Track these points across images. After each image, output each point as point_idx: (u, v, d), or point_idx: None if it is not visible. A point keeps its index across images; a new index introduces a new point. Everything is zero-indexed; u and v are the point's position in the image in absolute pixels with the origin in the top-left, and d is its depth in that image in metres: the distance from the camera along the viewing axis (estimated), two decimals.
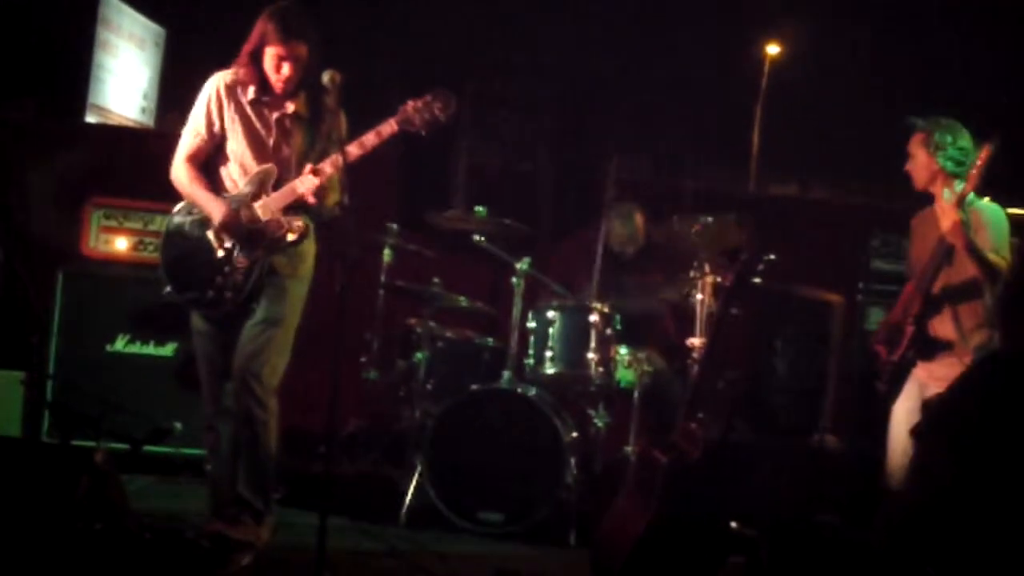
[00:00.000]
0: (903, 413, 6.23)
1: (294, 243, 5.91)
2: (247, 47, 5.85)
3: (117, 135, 9.56)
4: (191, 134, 5.96)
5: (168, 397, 7.30)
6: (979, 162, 6.06)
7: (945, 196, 6.33)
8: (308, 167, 5.77)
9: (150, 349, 7.51)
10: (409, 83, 8.75)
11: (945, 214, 6.14)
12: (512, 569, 5.99)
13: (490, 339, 7.75)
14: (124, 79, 10.00)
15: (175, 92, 9.10)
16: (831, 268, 8.84)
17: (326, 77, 5.62)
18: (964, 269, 6.24)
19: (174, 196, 6.03)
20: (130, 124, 10.12)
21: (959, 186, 6.25)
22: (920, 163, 6.43)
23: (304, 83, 5.86)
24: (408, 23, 9.63)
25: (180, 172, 5.93)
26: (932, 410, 3.27)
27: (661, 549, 5.62)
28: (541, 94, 9.98)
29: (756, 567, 5.83)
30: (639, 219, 8.17)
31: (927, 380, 6.16)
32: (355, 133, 5.91)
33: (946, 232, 6.12)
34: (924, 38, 9.39)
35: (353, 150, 5.75)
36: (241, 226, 5.78)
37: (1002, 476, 2.77)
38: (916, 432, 5.37)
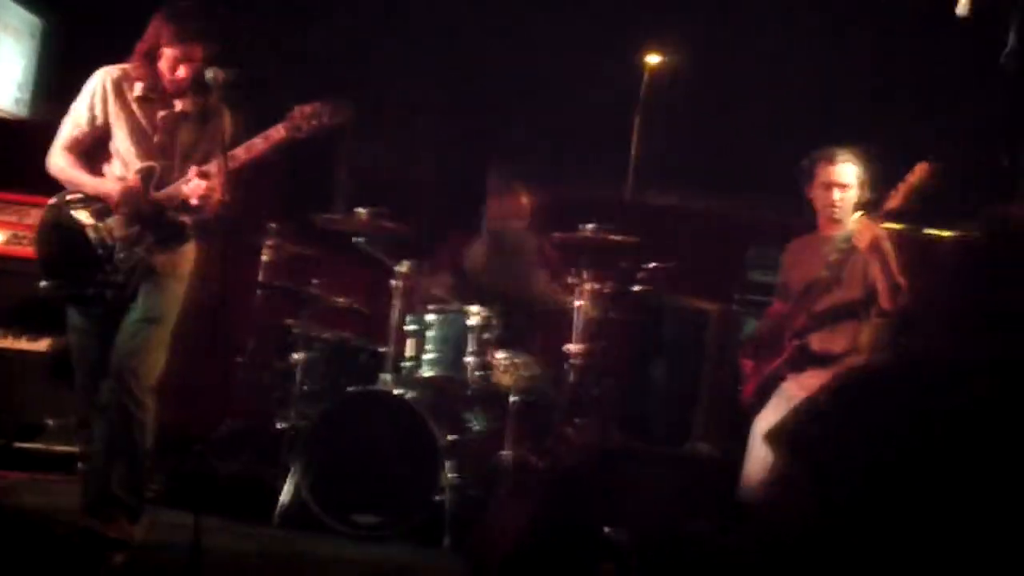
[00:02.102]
0: (766, 426, 6.31)
1: (176, 243, 5.88)
2: (141, 46, 5.81)
3: None
4: (70, 125, 5.89)
5: (40, 393, 7.19)
6: (912, 179, 6.09)
7: (849, 224, 6.42)
8: (194, 169, 5.74)
9: (23, 344, 7.40)
10: (295, 84, 8.73)
11: (862, 231, 6.18)
12: (386, 572, 5.99)
13: (368, 341, 7.75)
14: None
15: (52, 85, 8.96)
16: (708, 278, 8.94)
17: (210, 74, 5.62)
18: (851, 290, 6.36)
19: (50, 189, 5.95)
20: (4, 115, 9.95)
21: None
22: (853, 196, 6.52)
23: (193, 81, 5.84)
24: (295, 24, 9.58)
25: (59, 160, 5.86)
26: (791, 416, 3.34)
27: (536, 553, 5.65)
28: (425, 97, 9.99)
29: (626, 573, 5.89)
30: (524, 197, 8.21)
31: (797, 392, 6.25)
32: (244, 133, 5.91)
33: (866, 248, 6.17)
34: (810, 48, 9.52)
35: (240, 154, 5.75)
36: (139, 199, 5.74)
37: (855, 486, 2.83)
38: (770, 437, 5.45)
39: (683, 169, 10.12)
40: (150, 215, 5.80)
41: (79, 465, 6.18)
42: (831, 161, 6.54)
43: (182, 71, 5.77)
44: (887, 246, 6.22)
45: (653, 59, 9.48)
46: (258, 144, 5.82)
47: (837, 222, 6.53)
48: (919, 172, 6.10)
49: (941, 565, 2.75)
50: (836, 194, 6.52)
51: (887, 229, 6.30)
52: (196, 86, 5.86)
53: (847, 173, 6.53)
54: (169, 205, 5.81)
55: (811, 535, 2.93)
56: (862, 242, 6.17)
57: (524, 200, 8.19)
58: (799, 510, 2.93)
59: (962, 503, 2.74)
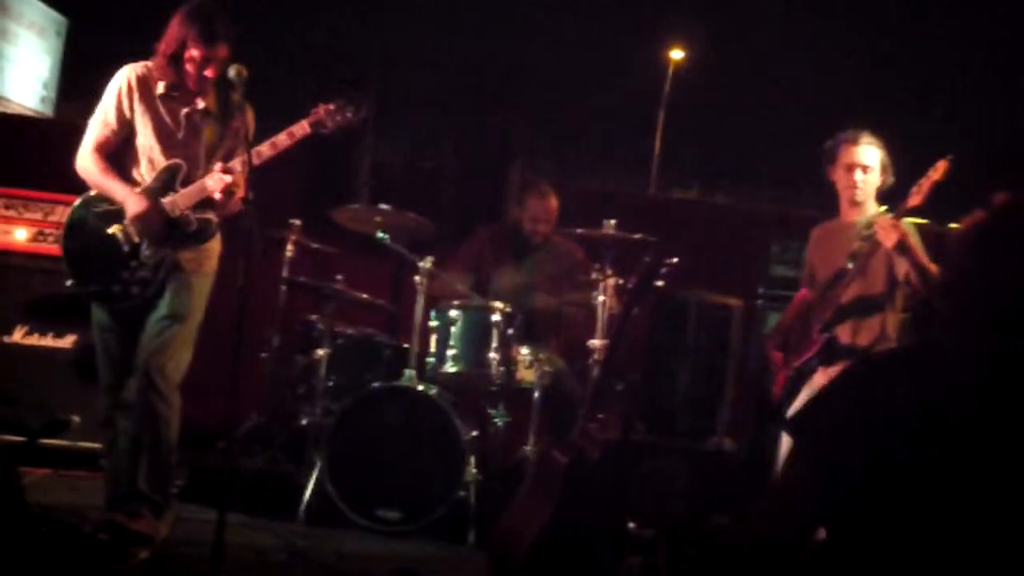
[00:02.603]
0: None
1: (202, 239, 5.91)
2: (165, 48, 5.84)
3: (16, 124, 9.44)
4: (100, 124, 5.92)
5: (65, 390, 7.22)
6: (934, 176, 6.09)
7: (871, 209, 6.45)
8: (219, 165, 5.77)
9: (48, 341, 7.42)
10: (313, 79, 8.74)
11: (887, 230, 6.16)
12: (410, 567, 5.99)
13: (391, 337, 7.77)
14: (24, 68, 9.89)
15: (76, 82, 9.00)
16: (731, 273, 8.94)
17: (232, 72, 5.64)
18: (876, 281, 6.36)
19: (75, 187, 5.99)
20: (29, 113, 10.00)
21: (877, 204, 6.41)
22: (876, 178, 6.53)
23: (216, 79, 5.86)
24: (311, 18, 9.61)
25: (89, 162, 5.89)
26: (802, 406, 3.36)
27: (559, 549, 5.65)
28: (447, 91, 10.00)
29: (653, 568, 5.88)
30: (553, 200, 8.20)
31: None
32: (260, 128, 5.93)
33: (891, 247, 6.16)
34: (835, 42, 9.53)
35: (265, 150, 5.80)
36: (155, 220, 5.76)
37: (857, 475, 2.82)
38: (784, 424, 5.44)
39: (706, 164, 10.12)
40: (170, 227, 5.83)
41: (103, 461, 6.20)
42: (855, 142, 6.54)
43: (209, 72, 5.81)
44: (913, 241, 6.20)
45: (677, 55, 9.47)
46: (282, 140, 5.85)
47: (858, 204, 6.53)
48: (941, 169, 6.08)
49: (944, 560, 2.74)
50: (858, 175, 6.52)
51: (911, 224, 6.29)
52: (218, 83, 5.89)
53: (870, 155, 6.53)
54: (182, 219, 5.84)
55: (816, 524, 2.93)
56: (888, 242, 6.14)
57: (553, 202, 8.16)
58: (804, 499, 2.92)
59: (971, 498, 2.73)
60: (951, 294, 2.97)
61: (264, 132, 5.95)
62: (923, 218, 6.71)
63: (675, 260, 6.28)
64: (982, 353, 2.82)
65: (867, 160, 6.53)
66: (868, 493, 2.77)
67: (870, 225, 6.33)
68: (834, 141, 6.64)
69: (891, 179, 6.53)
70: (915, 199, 6.09)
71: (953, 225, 6.34)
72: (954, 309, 2.94)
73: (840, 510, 2.82)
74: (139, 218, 5.76)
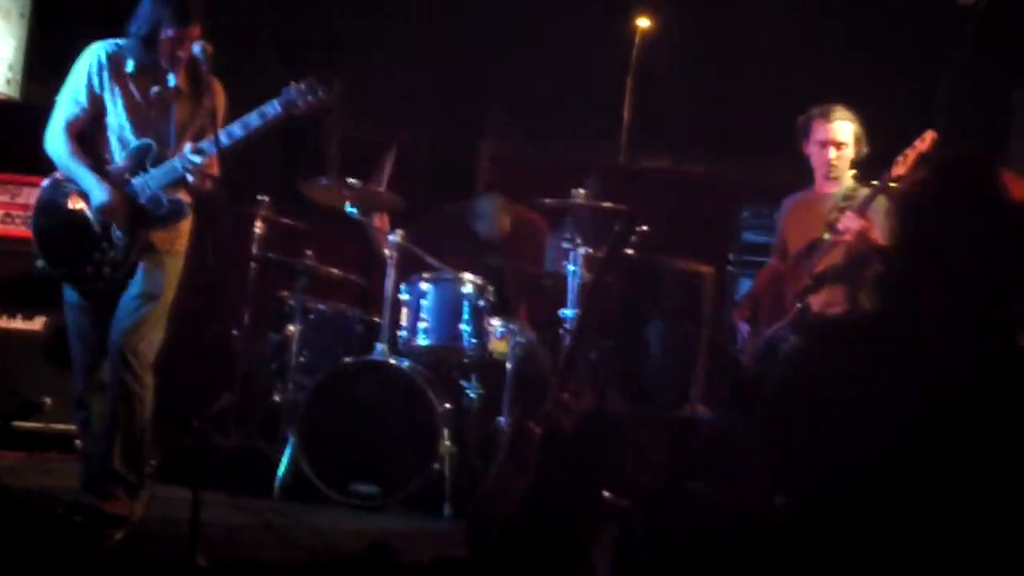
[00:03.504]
0: None
1: (175, 219, 5.89)
2: (138, 28, 5.81)
3: None
4: (70, 103, 5.89)
5: (37, 372, 7.20)
6: (920, 147, 6.10)
7: (847, 181, 6.48)
8: (189, 143, 5.76)
9: (18, 323, 7.40)
10: (283, 57, 8.70)
11: (849, 223, 6.18)
12: (386, 542, 5.99)
13: (363, 312, 7.76)
14: None
15: (43, 65, 8.93)
16: (702, 240, 8.94)
17: (197, 48, 5.62)
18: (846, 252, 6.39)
19: (42, 168, 5.95)
20: None
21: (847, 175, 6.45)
22: (850, 152, 6.54)
23: (182, 60, 5.85)
24: None
25: (58, 142, 5.85)
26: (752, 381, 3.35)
27: (536, 520, 5.65)
28: (415, 65, 9.96)
29: (629, 536, 5.89)
30: (501, 211, 8.20)
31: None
32: (232, 108, 5.92)
33: (855, 239, 6.18)
34: (803, 7, 9.50)
35: (236, 130, 5.76)
36: (120, 209, 5.74)
37: (806, 443, 2.83)
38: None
39: (676, 131, 10.10)
40: (136, 215, 5.81)
41: (77, 443, 6.18)
42: (828, 118, 6.55)
43: (183, 52, 5.79)
44: (876, 235, 6.20)
45: (643, 22, 9.45)
46: (254, 121, 5.82)
47: (834, 180, 6.55)
48: (928, 140, 6.10)
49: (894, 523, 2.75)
50: (832, 152, 6.53)
51: (887, 196, 6.28)
52: (187, 61, 5.87)
53: (844, 131, 6.54)
54: (152, 200, 5.82)
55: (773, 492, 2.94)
56: (848, 235, 6.17)
57: (501, 213, 8.16)
58: (761, 469, 2.94)
59: (915, 464, 2.74)
60: (893, 256, 2.99)
61: (233, 112, 5.93)
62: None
63: (645, 228, 6.28)
64: (918, 316, 2.84)
65: (841, 136, 6.55)
66: (817, 461, 2.79)
67: (846, 197, 6.36)
68: (807, 117, 6.65)
69: (866, 149, 6.54)
70: (899, 169, 6.11)
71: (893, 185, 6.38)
72: (893, 270, 2.96)
73: (793, 478, 2.83)
74: (103, 209, 5.74)
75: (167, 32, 5.75)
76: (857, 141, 6.54)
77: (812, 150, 6.63)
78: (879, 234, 6.15)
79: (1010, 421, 2.72)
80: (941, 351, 2.79)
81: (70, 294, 5.96)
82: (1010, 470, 2.71)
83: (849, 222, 6.16)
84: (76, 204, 5.80)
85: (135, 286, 5.83)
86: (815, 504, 2.82)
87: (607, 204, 7.23)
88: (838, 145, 6.54)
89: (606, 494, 6.41)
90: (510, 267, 8.01)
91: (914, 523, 2.73)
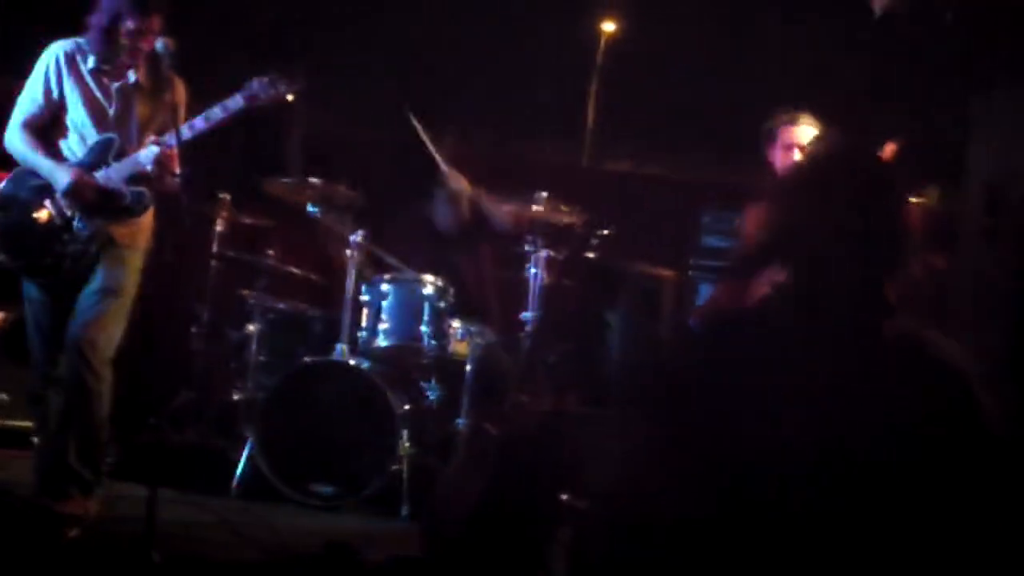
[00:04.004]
0: None
1: (136, 213, 5.88)
2: (98, 20, 5.79)
3: None
4: (28, 101, 5.88)
5: None
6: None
7: None
8: (151, 138, 5.75)
9: None
10: (247, 52, 8.67)
11: None
12: (343, 541, 5.98)
13: (323, 311, 7.75)
14: None
15: (5, 59, 8.90)
16: (663, 244, 8.95)
17: (159, 44, 5.61)
18: None
19: (4, 163, 5.93)
20: None
21: None
22: None
23: (142, 53, 5.83)
24: None
25: (16, 138, 5.84)
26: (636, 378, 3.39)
27: (493, 521, 5.66)
28: (378, 63, 9.95)
29: (584, 539, 5.90)
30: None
31: None
32: (194, 102, 5.91)
33: None
34: (766, 12, 9.53)
35: (198, 124, 5.76)
36: (87, 190, 5.72)
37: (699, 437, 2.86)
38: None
39: (639, 135, 10.11)
40: (103, 199, 5.79)
41: (34, 439, 6.16)
42: (793, 123, 6.57)
43: (145, 43, 5.77)
44: None
45: (608, 26, 9.48)
46: (215, 114, 5.83)
47: None
48: (889, 152, 6.12)
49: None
50: (797, 156, 6.55)
51: None
52: (148, 57, 5.85)
53: (804, 135, 6.56)
54: (115, 194, 5.81)
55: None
56: None
57: (464, 210, 8.15)
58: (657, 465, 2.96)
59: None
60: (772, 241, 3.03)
61: (197, 106, 5.93)
62: None
63: (606, 232, 6.29)
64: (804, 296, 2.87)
65: (801, 140, 6.57)
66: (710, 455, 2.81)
67: None
68: (772, 122, 6.66)
69: None
70: None
71: None
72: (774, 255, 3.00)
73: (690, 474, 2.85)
74: (70, 189, 5.72)
75: (127, 23, 5.73)
76: None
77: (777, 155, 6.64)
78: None
79: (900, 391, 2.75)
80: (827, 328, 2.82)
81: (29, 288, 5.93)
82: (906, 443, 2.73)
83: None
84: (35, 197, 5.78)
85: (95, 281, 5.81)
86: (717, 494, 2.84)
87: (567, 208, 7.24)
88: (803, 149, 6.56)
89: (563, 496, 6.43)
90: (473, 265, 8.02)
91: (828, 507, 2.75)
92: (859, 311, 2.83)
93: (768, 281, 6.38)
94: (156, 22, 5.75)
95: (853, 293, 2.83)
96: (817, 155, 3.01)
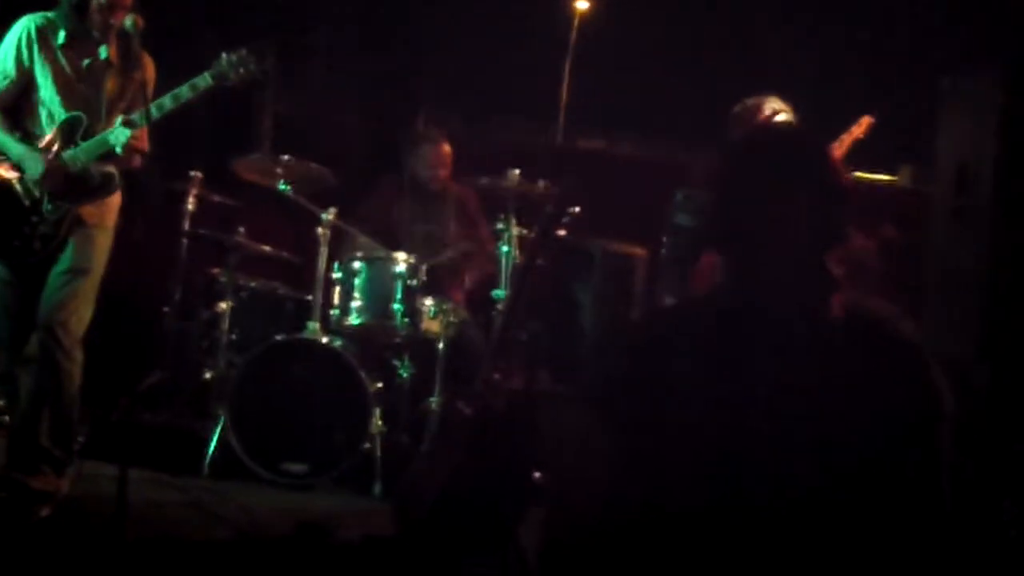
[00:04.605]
0: None
1: (105, 193, 5.85)
2: None
3: None
4: None
5: None
6: (856, 132, 6.14)
7: None
8: (120, 118, 5.72)
9: None
10: (216, 31, 8.63)
11: None
12: (316, 520, 5.99)
13: (295, 290, 7.73)
14: None
15: None
16: (635, 222, 8.95)
17: (128, 21, 5.59)
18: None
19: None
20: None
21: None
22: None
23: (113, 29, 5.80)
24: None
25: None
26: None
27: (464, 500, 5.66)
28: (349, 40, 9.92)
29: (556, 517, 5.91)
30: (446, 145, 8.21)
31: None
32: (162, 79, 5.88)
33: None
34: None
35: (166, 103, 5.74)
36: (55, 179, 5.70)
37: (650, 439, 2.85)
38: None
39: (612, 113, 10.11)
40: (75, 180, 5.77)
41: (3, 419, 6.14)
42: (758, 110, 6.58)
43: (115, 18, 5.73)
44: None
45: (582, 4, 9.46)
46: (184, 93, 5.81)
47: None
48: (864, 125, 6.15)
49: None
50: None
51: None
52: (118, 34, 5.82)
53: (776, 119, 6.57)
54: (83, 173, 5.79)
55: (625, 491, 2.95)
56: None
57: (446, 148, 8.19)
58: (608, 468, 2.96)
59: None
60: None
61: (165, 83, 5.90)
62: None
63: (577, 209, 6.29)
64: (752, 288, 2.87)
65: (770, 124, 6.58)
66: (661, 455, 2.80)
67: None
68: (742, 106, 6.67)
69: None
70: (835, 152, 6.16)
71: (861, 174, 6.43)
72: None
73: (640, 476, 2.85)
74: (40, 181, 5.70)
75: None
76: None
77: None
78: None
79: (856, 366, 2.75)
80: (772, 310, 2.83)
81: None
82: (871, 421, 2.73)
83: None
84: (2, 177, 5.74)
85: (64, 261, 5.79)
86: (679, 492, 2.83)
87: (540, 184, 7.25)
88: None
89: (536, 475, 6.43)
90: (451, 236, 8.04)
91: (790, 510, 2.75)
92: (801, 288, 2.82)
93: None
94: None
95: (793, 271, 2.83)
96: (738, 139, 3.01)
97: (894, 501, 2.70)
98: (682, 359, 2.83)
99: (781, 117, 6.56)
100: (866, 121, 6.15)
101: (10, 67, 5.82)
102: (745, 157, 2.98)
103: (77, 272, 5.79)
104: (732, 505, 2.73)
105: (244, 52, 5.90)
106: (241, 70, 5.90)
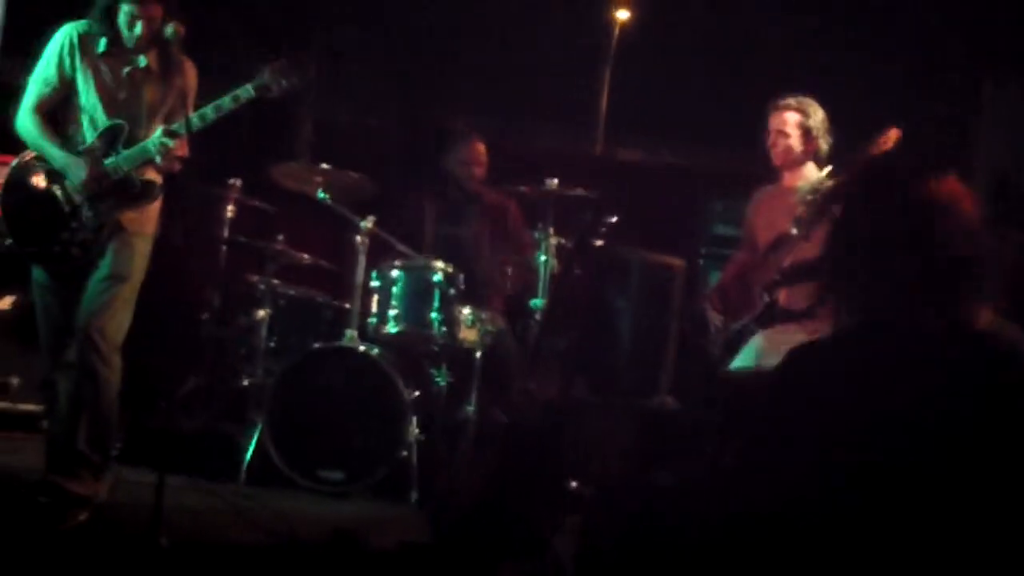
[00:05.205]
0: None
1: (146, 201, 5.88)
2: (100, 2, 5.79)
3: None
4: (40, 83, 5.86)
5: (4, 351, 7.17)
6: (883, 145, 6.14)
7: (812, 174, 6.51)
8: (161, 127, 5.75)
9: None
10: (255, 36, 8.67)
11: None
12: (351, 528, 5.99)
13: (333, 298, 7.75)
14: None
15: (15, 40, 8.90)
16: (674, 232, 8.95)
17: (169, 30, 5.61)
18: (818, 248, 6.40)
19: (14, 147, 5.93)
20: None
21: (818, 168, 6.47)
22: (793, 143, 6.56)
23: (154, 38, 5.81)
24: None
25: (28, 122, 5.84)
26: (732, 390, 3.36)
27: (500, 508, 5.66)
28: (390, 49, 9.94)
29: (593, 525, 5.90)
30: (480, 144, 8.23)
31: (768, 348, 6.27)
32: (203, 86, 5.91)
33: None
34: (776, 4, 9.53)
35: (208, 113, 5.76)
36: (97, 186, 5.73)
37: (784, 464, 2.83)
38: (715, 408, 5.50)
39: (652, 123, 10.11)
40: (116, 188, 5.80)
41: (43, 423, 6.16)
42: (773, 108, 6.62)
43: (139, 28, 5.76)
44: None
45: (622, 15, 9.47)
46: (226, 104, 5.82)
47: (780, 169, 6.61)
48: (892, 138, 6.13)
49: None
50: (772, 140, 6.60)
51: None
52: (158, 42, 5.84)
53: (785, 121, 6.59)
54: (125, 180, 5.81)
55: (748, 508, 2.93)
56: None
57: (480, 146, 8.19)
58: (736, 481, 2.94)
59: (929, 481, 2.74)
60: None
61: (205, 90, 5.92)
62: None
63: (614, 219, 6.29)
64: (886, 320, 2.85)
65: (780, 125, 6.60)
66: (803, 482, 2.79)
67: (813, 190, 6.37)
68: (766, 109, 6.72)
69: (823, 143, 6.56)
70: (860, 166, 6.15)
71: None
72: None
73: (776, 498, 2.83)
74: (82, 187, 5.73)
75: (125, 6, 5.73)
76: (805, 133, 6.57)
77: (768, 141, 6.70)
78: None
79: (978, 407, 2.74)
80: (921, 338, 2.81)
81: (38, 273, 5.93)
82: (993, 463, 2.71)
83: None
84: (44, 183, 5.78)
85: (104, 267, 5.81)
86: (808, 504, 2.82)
87: (577, 193, 7.25)
88: (779, 134, 6.59)
89: (572, 484, 6.43)
90: (485, 242, 8.04)
91: (915, 529, 2.73)
92: (940, 306, 2.81)
93: (775, 267, 6.40)
94: (154, 8, 5.74)
95: (932, 288, 2.82)
96: (868, 162, 3.00)
97: None
98: (829, 380, 2.83)
99: (789, 116, 6.57)
100: (893, 134, 6.12)
101: (52, 74, 5.84)
102: (876, 182, 2.96)
103: (116, 279, 5.81)
104: (862, 519, 2.72)
105: (286, 63, 5.92)
106: (283, 82, 5.92)
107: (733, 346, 6.48)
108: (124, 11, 5.74)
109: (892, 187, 2.92)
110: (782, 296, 6.40)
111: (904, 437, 2.72)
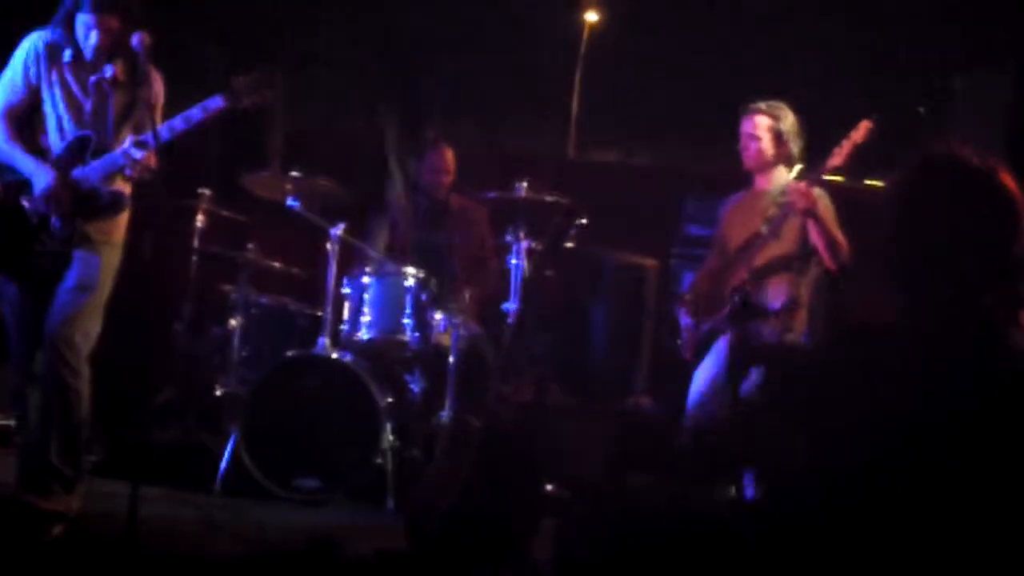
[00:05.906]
0: (704, 378, 6.41)
1: (114, 212, 5.85)
2: (62, 10, 5.76)
3: None
4: (7, 88, 5.81)
5: None
6: (855, 137, 6.16)
7: (783, 177, 6.53)
8: (131, 138, 5.71)
9: None
10: (224, 45, 8.65)
11: (798, 195, 6.23)
12: (327, 535, 5.97)
13: (305, 305, 7.73)
14: None
15: None
16: (646, 232, 8.95)
17: (135, 40, 5.57)
18: (789, 245, 6.42)
19: None
20: None
21: (789, 171, 6.48)
22: (765, 146, 6.58)
23: (120, 47, 5.78)
24: None
25: None
26: (773, 383, 3.33)
27: (476, 514, 5.65)
28: (359, 56, 9.94)
29: (570, 529, 5.89)
30: (448, 151, 8.24)
31: (739, 347, 6.28)
32: (173, 97, 5.89)
33: (801, 212, 6.22)
34: (747, 4, 9.55)
35: (177, 124, 5.72)
36: (64, 195, 5.69)
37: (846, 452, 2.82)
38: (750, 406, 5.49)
39: (623, 124, 10.12)
40: (84, 199, 5.77)
41: (16, 438, 6.13)
42: (743, 112, 6.65)
43: (94, 38, 5.72)
44: (823, 205, 6.27)
45: (591, 16, 9.49)
46: (196, 115, 5.78)
47: (753, 172, 6.63)
48: (863, 130, 6.15)
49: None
50: (748, 144, 6.62)
51: (826, 185, 6.35)
52: (125, 52, 5.81)
53: (755, 124, 6.61)
54: (92, 191, 5.78)
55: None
56: (797, 206, 6.22)
57: (449, 153, 8.21)
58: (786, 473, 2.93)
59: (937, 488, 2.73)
60: (885, 254, 2.98)
61: (175, 100, 5.90)
62: (843, 176, 6.78)
63: (584, 221, 6.29)
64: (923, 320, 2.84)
65: (750, 129, 6.62)
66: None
67: (784, 192, 6.40)
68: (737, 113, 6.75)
69: (794, 146, 6.58)
70: (836, 159, 6.19)
71: (870, 181, 6.40)
72: (889, 269, 2.96)
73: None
74: (47, 194, 5.69)
75: (82, 16, 5.71)
76: (776, 137, 6.59)
77: (740, 144, 6.73)
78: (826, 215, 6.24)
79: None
80: (958, 350, 2.80)
81: (6, 286, 5.89)
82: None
83: (797, 195, 6.21)
84: (11, 196, 5.74)
85: (71, 278, 5.76)
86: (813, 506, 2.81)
87: (549, 197, 7.24)
88: (750, 138, 6.62)
89: (548, 487, 6.42)
90: (455, 249, 8.04)
91: (921, 533, 2.73)
92: (980, 314, 2.81)
93: (746, 266, 6.41)
94: (110, 20, 5.70)
95: (976, 294, 2.81)
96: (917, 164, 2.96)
97: None
98: (863, 382, 2.82)
99: (760, 120, 6.58)
100: (864, 125, 6.15)
101: (19, 78, 5.80)
102: (926, 182, 2.95)
103: (83, 288, 5.77)
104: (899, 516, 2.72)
105: (256, 76, 5.90)
106: (254, 96, 5.90)
107: (704, 347, 6.50)
108: (80, 20, 5.71)
109: (974, 184, 2.90)
110: (755, 294, 6.41)
111: (964, 437, 2.72)
